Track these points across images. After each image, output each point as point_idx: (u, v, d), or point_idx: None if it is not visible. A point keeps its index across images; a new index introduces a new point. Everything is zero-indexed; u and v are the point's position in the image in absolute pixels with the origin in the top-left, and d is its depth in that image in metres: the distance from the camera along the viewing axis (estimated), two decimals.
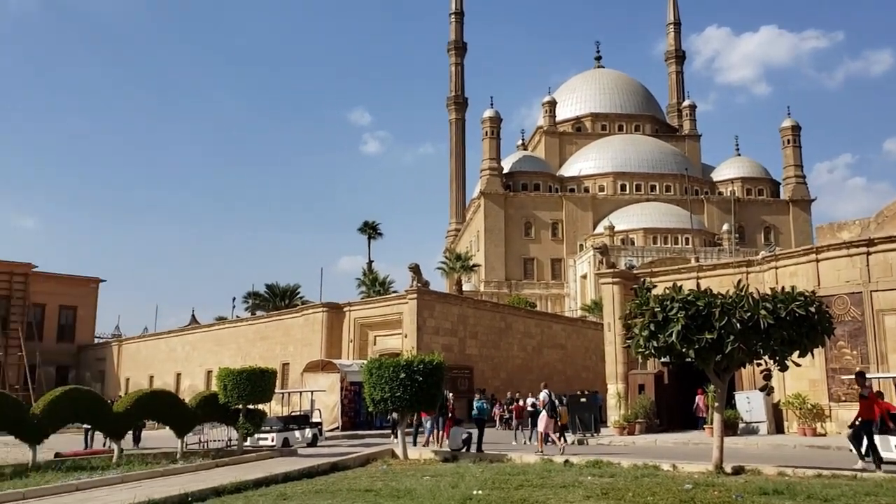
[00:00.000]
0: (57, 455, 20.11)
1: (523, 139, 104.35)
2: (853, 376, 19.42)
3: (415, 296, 35.85)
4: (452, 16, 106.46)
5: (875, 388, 19.63)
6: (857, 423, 16.55)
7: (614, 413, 30.08)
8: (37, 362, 53.34)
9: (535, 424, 23.87)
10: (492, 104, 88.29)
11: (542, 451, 20.40)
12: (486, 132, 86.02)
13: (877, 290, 24.90)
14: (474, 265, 62.13)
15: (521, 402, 28.61)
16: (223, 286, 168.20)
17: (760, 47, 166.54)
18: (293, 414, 28.21)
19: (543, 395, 23.94)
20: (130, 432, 23.13)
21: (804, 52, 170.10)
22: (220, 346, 49.64)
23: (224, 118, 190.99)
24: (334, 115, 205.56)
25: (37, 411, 16.86)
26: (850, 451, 17.44)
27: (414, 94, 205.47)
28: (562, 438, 22.88)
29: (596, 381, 40.08)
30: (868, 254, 25.23)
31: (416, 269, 36.48)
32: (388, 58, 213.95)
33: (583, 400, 28.60)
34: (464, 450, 19.53)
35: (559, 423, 24.12)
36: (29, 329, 55.32)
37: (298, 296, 59.07)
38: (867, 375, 22.25)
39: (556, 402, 24.12)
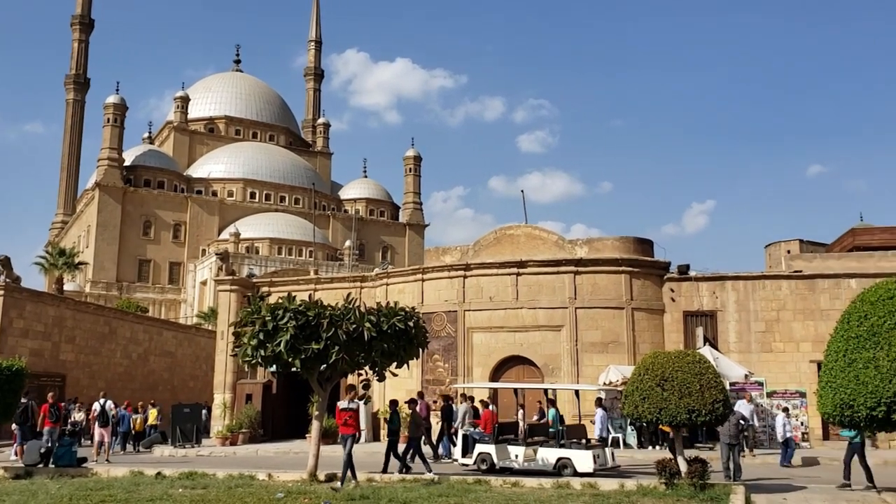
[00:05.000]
0: None
1: (150, 133, 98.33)
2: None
3: (1, 293, 31.53)
4: None
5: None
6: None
7: (219, 423, 29.41)
8: None
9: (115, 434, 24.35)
10: (117, 90, 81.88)
11: (96, 461, 20.88)
12: (109, 119, 79.42)
13: (469, 310, 27.63)
14: (81, 263, 56.60)
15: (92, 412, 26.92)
16: None
17: (394, 78, 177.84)
18: None
19: (96, 405, 23.18)
20: None
21: (433, 88, 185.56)
22: None
23: None
24: None
25: None
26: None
27: (27, 65, 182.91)
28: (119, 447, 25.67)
29: (205, 391, 38.95)
30: (465, 277, 27.90)
31: (5, 262, 32.11)
32: None
33: (186, 410, 27.51)
34: (41, 465, 17.50)
35: (133, 432, 26.68)
36: None
37: None
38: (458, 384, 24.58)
39: (115, 409, 25.55)
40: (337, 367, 15.45)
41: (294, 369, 15.67)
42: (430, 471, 16.90)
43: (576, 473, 16.26)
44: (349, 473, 14.57)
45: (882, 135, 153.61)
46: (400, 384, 25.11)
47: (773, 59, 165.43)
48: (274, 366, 15.96)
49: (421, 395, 21.61)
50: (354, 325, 15.29)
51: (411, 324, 16.31)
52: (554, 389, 22.50)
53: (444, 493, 12.88)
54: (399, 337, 16.02)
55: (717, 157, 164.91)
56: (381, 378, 16.86)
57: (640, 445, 24.46)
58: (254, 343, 15.38)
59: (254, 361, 15.87)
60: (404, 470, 17.17)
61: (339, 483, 14.06)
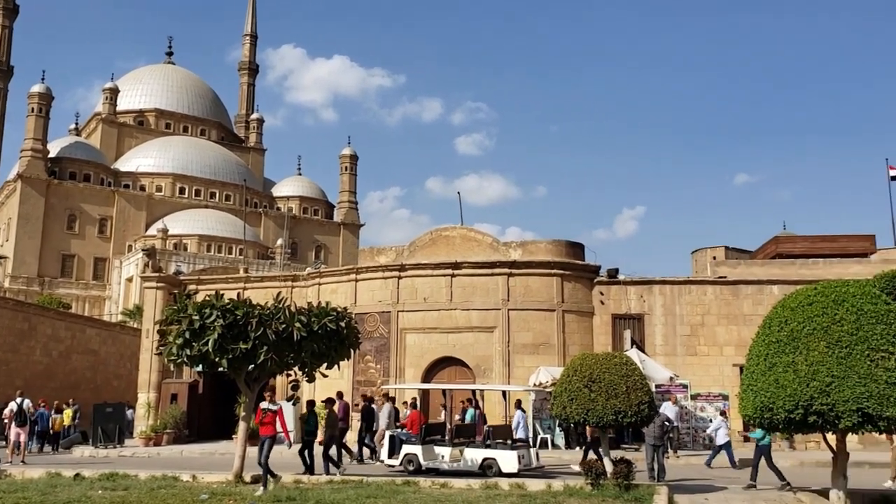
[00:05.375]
0: None
1: (77, 124, 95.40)
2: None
3: None
4: None
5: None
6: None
7: (143, 423, 28.71)
8: None
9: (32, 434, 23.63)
10: (43, 79, 79.24)
11: (11, 462, 20.48)
12: (33, 109, 76.77)
13: (403, 311, 27.55)
14: (0, 256, 54.63)
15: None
16: None
17: (332, 75, 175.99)
18: None
19: (12, 404, 22.46)
20: None
21: (371, 87, 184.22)
22: None
23: None
24: None
25: None
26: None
27: None
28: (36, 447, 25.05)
29: (129, 390, 37.96)
30: (399, 278, 27.80)
31: None
32: None
33: (109, 410, 26.76)
34: None
35: (51, 432, 25.93)
36: None
37: None
38: (386, 387, 24.49)
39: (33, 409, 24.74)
40: (265, 367, 15.21)
41: (221, 369, 15.37)
42: (338, 469, 17.07)
43: (500, 473, 16.42)
44: (269, 475, 14.31)
45: (806, 147, 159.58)
46: (331, 385, 24.81)
47: (703, 69, 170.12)
48: (200, 365, 15.65)
49: (340, 395, 21.57)
50: (284, 325, 15.07)
51: (343, 324, 16.17)
52: (481, 390, 22.65)
53: (373, 494, 12.81)
54: (330, 337, 15.86)
55: (649, 163, 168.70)
56: (311, 379, 16.69)
57: (568, 446, 24.78)
58: (180, 342, 15.04)
59: (179, 360, 15.53)
60: (318, 470, 17.23)
61: (261, 487, 13.76)
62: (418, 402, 22.07)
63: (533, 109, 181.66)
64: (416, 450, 17.92)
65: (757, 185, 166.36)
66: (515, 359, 26.34)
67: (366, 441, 21.88)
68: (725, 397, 25.56)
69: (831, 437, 12.71)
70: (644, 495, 12.89)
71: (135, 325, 48.20)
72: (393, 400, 22.95)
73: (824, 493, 12.96)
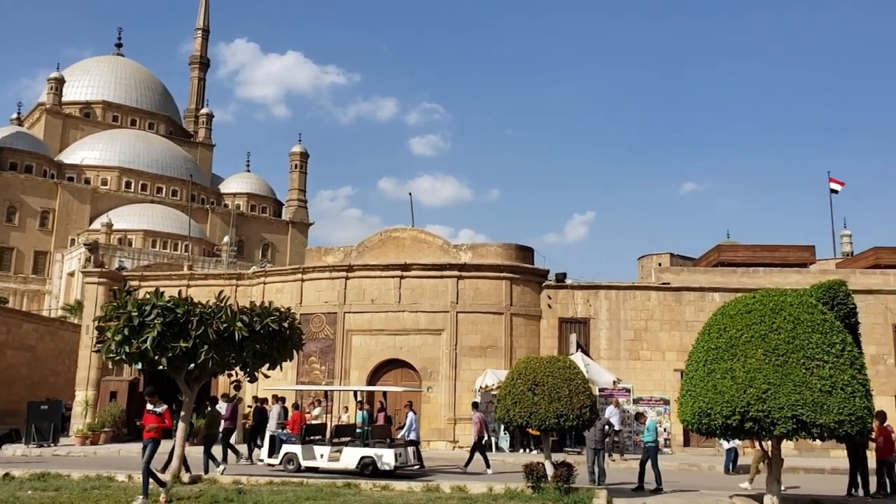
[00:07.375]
0: None
1: (20, 114, 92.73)
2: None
3: None
4: None
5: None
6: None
7: (80, 422, 27.99)
8: None
9: None
10: None
11: None
12: None
13: (349, 312, 27.38)
14: None
15: None
16: None
17: (284, 70, 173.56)
18: None
19: None
20: None
21: (324, 84, 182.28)
22: None
23: None
24: None
25: None
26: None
27: None
28: None
29: (67, 388, 37.02)
30: (347, 278, 27.63)
31: None
32: None
33: (44, 407, 26.03)
34: None
35: None
36: None
37: None
38: (328, 388, 24.39)
39: None
40: (206, 366, 14.97)
41: (161, 367, 15.08)
42: (219, 467, 17.41)
43: (377, 471, 17.15)
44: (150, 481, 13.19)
45: (752, 157, 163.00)
46: (274, 385, 24.56)
47: (654, 78, 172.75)
48: (140, 363, 15.35)
49: (224, 395, 21.98)
50: (225, 325, 14.86)
51: (286, 324, 16.04)
52: (360, 391, 23.23)
53: (312, 496, 12.67)
54: (272, 338, 15.72)
55: (600, 170, 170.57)
56: (253, 379, 16.48)
57: (513, 448, 24.91)
58: (118, 339, 14.73)
59: (118, 358, 15.23)
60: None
61: (140, 496, 12.59)
62: (320, 404, 22.28)
63: (489, 112, 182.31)
64: (296, 449, 18.44)
65: (703, 193, 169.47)
66: (462, 361, 26.38)
67: (256, 441, 22.31)
68: (666, 402, 25.96)
69: (767, 443, 12.98)
70: (584, 498, 12.99)
71: (75, 321, 47.01)
72: (283, 400, 23.41)
73: (759, 498, 13.22)
